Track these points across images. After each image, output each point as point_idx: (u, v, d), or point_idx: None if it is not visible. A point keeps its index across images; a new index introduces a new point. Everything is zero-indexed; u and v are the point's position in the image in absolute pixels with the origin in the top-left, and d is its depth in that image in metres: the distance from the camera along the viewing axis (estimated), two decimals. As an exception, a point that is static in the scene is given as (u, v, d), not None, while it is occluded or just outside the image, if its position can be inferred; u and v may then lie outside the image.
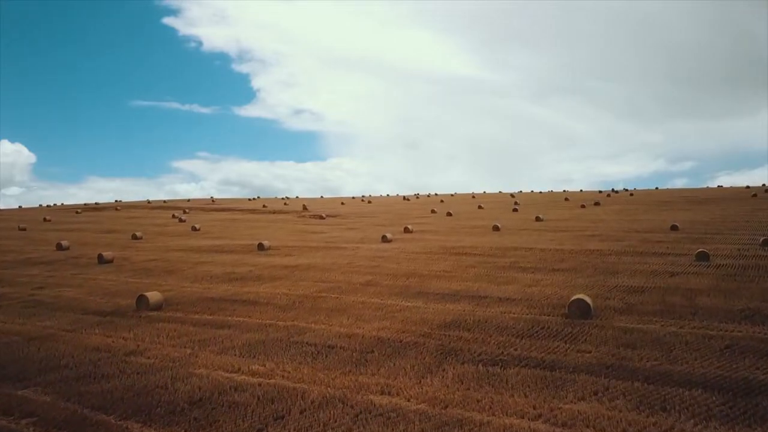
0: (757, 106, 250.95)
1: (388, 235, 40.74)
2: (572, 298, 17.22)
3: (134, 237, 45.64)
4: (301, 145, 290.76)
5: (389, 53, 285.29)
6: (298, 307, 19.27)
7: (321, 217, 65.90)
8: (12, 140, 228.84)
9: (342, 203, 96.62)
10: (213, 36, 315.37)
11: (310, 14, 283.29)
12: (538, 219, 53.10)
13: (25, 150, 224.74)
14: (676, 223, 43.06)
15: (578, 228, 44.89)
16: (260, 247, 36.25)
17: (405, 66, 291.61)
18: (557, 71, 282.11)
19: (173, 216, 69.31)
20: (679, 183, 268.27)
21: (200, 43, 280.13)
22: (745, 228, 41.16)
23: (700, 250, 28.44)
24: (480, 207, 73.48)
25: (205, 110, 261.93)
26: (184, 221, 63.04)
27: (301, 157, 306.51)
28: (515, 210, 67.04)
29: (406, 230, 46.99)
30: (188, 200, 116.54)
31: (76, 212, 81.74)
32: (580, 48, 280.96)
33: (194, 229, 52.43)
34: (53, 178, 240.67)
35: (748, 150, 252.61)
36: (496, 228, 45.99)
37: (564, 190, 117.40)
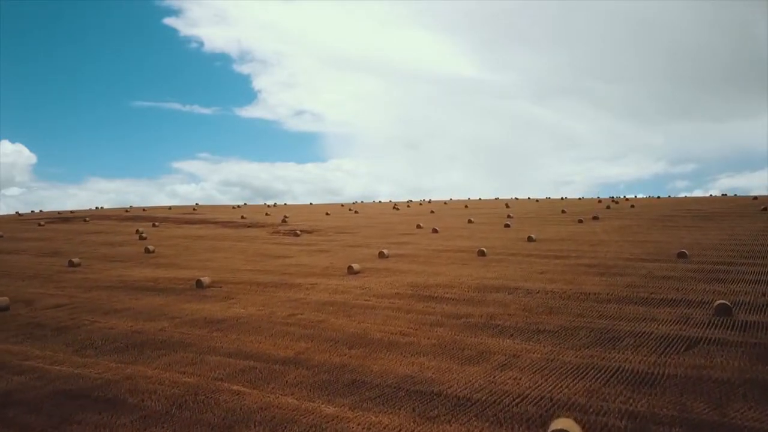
0: (758, 108, 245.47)
1: (356, 267, 35.56)
2: (554, 428, 11.70)
3: (71, 264, 40.47)
4: (301, 146, 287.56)
5: (389, 53, 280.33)
6: (171, 419, 13.74)
7: (295, 234, 61.12)
8: (12, 140, 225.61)
9: (327, 213, 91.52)
10: (214, 36, 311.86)
11: (310, 14, 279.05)
12: (530, 239, 48.14)
13: (25, 150, 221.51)
14: (683, 249, 38.02)
15: (574, 253, 39.87)
16: (198, 284, 30.91)
17: (405, 66, 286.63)
18: (558, 72, 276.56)
19: (136, 231, 64.48)
20: (681, 185, 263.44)
21: (201, 44, 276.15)
22: (762, 256, 36.18)
23: (719, 302, 23.14)
24: (470, 221, 68.48)
25: (205, 111, 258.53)
26: (145, 239, 58.12)
27: (301, 159, 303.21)
28: (507, 226, 62.10)
29: (381, 255, 42.14)
30: (170, 208, 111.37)
31: (39, 224, 76.74)
32: (580, 48, 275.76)
33: (147, 251, 47.44)
34: (54, 179, 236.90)
35: (750, 152, 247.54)
36: (481, 253, 41.13)
37: (562, 198, 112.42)
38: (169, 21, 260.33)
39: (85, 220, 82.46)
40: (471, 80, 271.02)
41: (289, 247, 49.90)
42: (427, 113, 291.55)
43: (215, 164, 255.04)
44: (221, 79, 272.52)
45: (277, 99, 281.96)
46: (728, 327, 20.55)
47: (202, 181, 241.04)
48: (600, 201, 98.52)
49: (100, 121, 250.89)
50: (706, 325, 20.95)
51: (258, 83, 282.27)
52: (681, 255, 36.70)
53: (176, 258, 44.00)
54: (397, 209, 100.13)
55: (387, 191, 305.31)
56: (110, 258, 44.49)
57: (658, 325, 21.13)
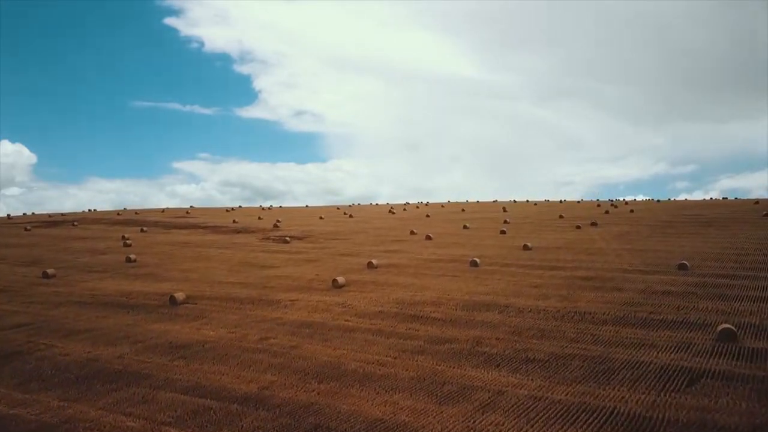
0: (759, 109, 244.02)
1: (340, 280, 33.82)
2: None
3: (45, 275, 38.80)
4: (302, 146, 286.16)
5: (389, 54, 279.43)
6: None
7: (284, 241, 59.53)
8: (12, 140, 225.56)
9: (321, 217, 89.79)
10: (214, 37, 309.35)
11: (310, 14, 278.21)
12: (525, 247, 46.51)
13: (25, 150, 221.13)
14: (684, 261, 36.33)
15: (570, 263, 38.23)
16: (172, 300, 29.12)
17: (405, 67, 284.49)
18: (558, 73, 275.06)
19: (122, 237, 62.86)
20: (681, 186, 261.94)
21: (202, 44, 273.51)
22: (766, 268, 34.77)
23: (723, 327, 21.15)
24: (465, 227, 66.87)
25: (206, 111, 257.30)
26: (130, 245, 56.49)
27: (302, 159, 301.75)
28: (503, 232, 60.49)
29: (370, 266, 40.54)
30: (163, 210, 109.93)
31: (25, 229, 75.00)
32: (580, 49, 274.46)
33: (128, 260, 45.87)
34: (54, 179, 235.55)
35: (751, 153, 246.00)
36: (474, 264, 39.59)
37: (561, 201, 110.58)
38: (169, 21, 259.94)
39: (73, 225, 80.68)
40: (471, 80, 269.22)
41: (276, 256, 48.29)
42: (427, 114, 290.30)
43: (215, 164, 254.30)
44: (222, 79, 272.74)
45: (277, 99, 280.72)
46: (733, 356, 18.94)
47: (203, 182, 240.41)
48: (599, 205, 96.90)
49: (100, 121, 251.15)
50: (709, 353, 19.32)
51: (258, 83, 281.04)
52: (681, 267, 35.01)
53: (156, 268, 42.32)
54: (393, 213, 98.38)
55: (387, 192, 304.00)
56: (88, 268, 42.87)
57: (657, 353, 19.53)
